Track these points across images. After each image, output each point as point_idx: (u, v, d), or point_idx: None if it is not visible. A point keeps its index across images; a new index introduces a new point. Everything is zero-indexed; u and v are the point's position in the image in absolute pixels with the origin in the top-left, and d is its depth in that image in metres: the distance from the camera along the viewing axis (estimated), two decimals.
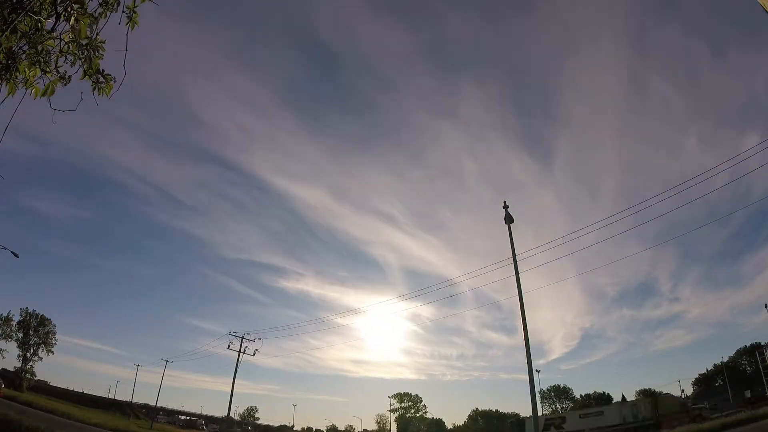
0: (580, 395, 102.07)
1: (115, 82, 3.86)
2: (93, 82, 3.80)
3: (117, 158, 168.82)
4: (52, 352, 76.86)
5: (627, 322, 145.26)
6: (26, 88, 3.69)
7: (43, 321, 76.02)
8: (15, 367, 73.87)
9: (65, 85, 3.76)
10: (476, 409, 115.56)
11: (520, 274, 21.03)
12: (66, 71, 3.76)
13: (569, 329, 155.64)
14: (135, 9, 3.74)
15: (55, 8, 3.56)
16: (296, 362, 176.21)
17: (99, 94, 3.84)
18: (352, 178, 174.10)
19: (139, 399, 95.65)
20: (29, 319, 74.92)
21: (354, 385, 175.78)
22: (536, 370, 46.09)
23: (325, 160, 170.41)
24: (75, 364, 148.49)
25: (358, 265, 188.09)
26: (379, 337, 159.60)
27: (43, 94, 3.66)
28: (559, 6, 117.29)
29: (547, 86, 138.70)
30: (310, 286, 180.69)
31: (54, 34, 3.64)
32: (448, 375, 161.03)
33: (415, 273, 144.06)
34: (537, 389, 29.35)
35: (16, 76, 3.62)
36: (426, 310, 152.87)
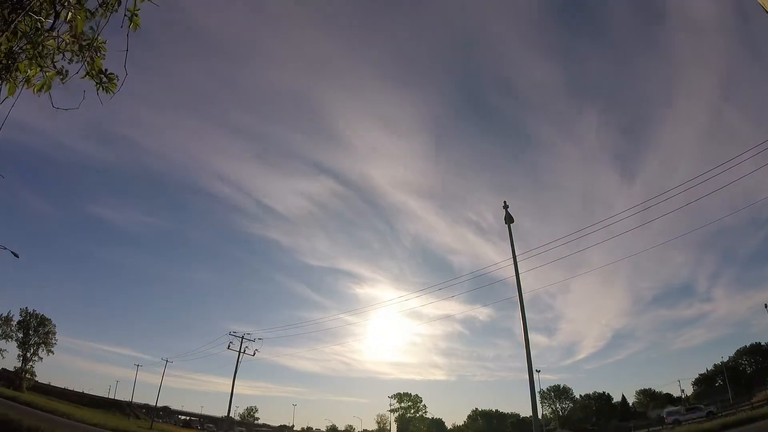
0: (580, 395, 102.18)
1: (118, 80, 3.88)
2: (96, 81, 3.84)
3: (214, 165, 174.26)
4: (52, 352, 77.16)
5: (657, 322, 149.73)
6: (27, 88, 3.70)
7: (43, 321, 76.10)
8: (15, 367, 74.13)
9: (62, 80, 3.78)
10: (476, 409, 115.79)
11: (520, 275, 21.06)
12: (63, 66, 3.79)
13: (602, 330, 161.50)
14: (136, 11, 3.74)
15: (54, 7, 3.57)
16: (333, 365, 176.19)
17: (105, 92, 3.87)
18: (462, 193, 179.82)
19: (166, 402, 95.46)
20: (29, 319, 75.01)
21: (384, 387, 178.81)
22: (536, 370, 46.05)
23: (445, 177, 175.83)
24: (76, 365, 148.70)
25: (436, 272, 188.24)
26: (426, 339, 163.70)
27: (40, 89, 3.68)
28: (677, 48, 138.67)
29: (653, 115, 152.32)
30: (383, 292, 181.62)
31: (53, 33, 3.66)
32: (478, 376, 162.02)
33: (482, 278, 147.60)
34: (537, 389, 29.41)
35: (17, 76, 3.63)
36: (483, 312, 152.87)
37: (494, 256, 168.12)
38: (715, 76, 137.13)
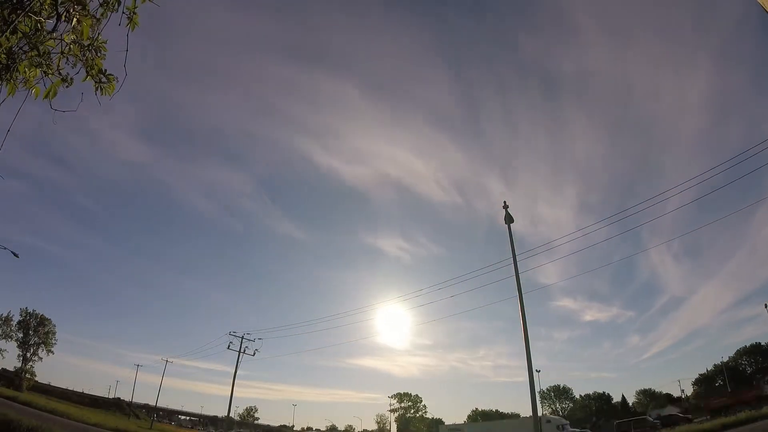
0: (580, 395, 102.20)
1: (117, 81, 3.86)
2: (95, 82, 3.81)
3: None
4: (52, 352, 77.21)
5: (725, 321, 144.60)
6: (26, 89, 3.69)
7: (43, 321, 76.11)
8: (15, 367, 74.12)
9: (67, 86, 3.76)
10: (476, 408, 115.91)
11: (520, 274, 21.10)
12: (68, 73, 3.76)
13: (678, 331, 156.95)
14: (135, 10, 3.74)
15: (56, 9, 3.56)
16: (433, 370, 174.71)
17: (102, 94, 3.85)
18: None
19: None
20: (29, 319, 75.04)
21: (468, 389, 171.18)
22: (536, 371, 45.84)
23: None
24: (76, 365, 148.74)
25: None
26: (553, 343, 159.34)
27: (45, 96, 3.66)
28: None
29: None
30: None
31: (54, 35, 3.64)
32: (551, 375, 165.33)
33: (642, 288, 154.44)
34: (537, 389, 29.39)
35: (16, 77, 3.62)
36: (624, 315, 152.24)
37: (676, 273, 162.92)
38: None
